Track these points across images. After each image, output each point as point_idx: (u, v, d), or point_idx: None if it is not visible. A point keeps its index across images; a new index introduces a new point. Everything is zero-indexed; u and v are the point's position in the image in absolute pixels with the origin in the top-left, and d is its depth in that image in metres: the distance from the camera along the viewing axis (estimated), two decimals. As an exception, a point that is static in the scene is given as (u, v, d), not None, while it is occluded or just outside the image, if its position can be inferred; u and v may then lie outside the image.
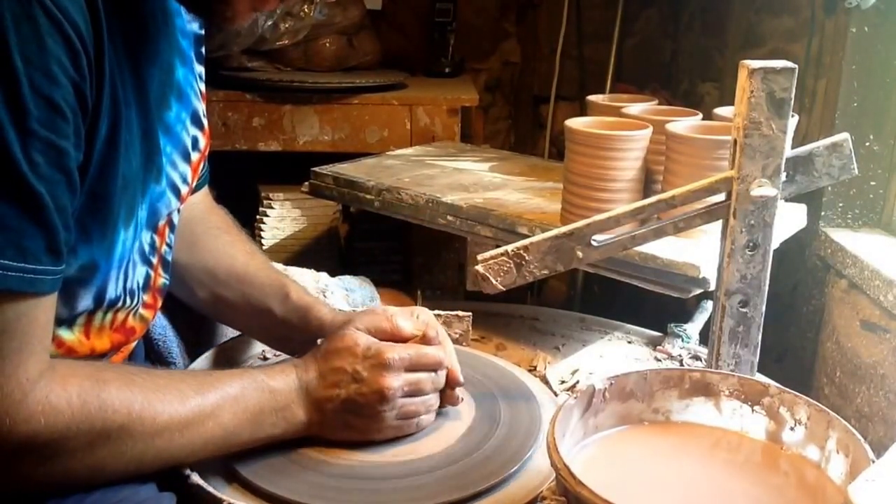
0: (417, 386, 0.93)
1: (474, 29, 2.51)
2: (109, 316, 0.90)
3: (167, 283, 1.02)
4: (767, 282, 0.99)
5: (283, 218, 2.06)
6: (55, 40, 0.67)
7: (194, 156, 1.00)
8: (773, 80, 0.92)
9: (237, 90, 1.97)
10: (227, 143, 1.96)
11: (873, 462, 0.74)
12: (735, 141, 0.96)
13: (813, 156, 0.99)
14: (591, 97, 1.43)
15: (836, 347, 1.48)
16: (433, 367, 0.95)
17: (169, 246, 1.01)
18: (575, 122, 1.24)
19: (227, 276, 1.10)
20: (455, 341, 1.14)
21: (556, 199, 1.30)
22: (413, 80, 2.20)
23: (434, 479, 0.89)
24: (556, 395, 1.10)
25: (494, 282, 0.96)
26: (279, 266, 1.21)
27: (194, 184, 1.03)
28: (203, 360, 1.13)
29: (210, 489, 0.85)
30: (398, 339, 0.96)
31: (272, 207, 2.05)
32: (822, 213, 1.53)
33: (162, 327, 1.12)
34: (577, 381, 1.14)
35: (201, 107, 1.02)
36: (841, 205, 1.53)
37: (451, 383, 0.98)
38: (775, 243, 1.02)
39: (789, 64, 0.93)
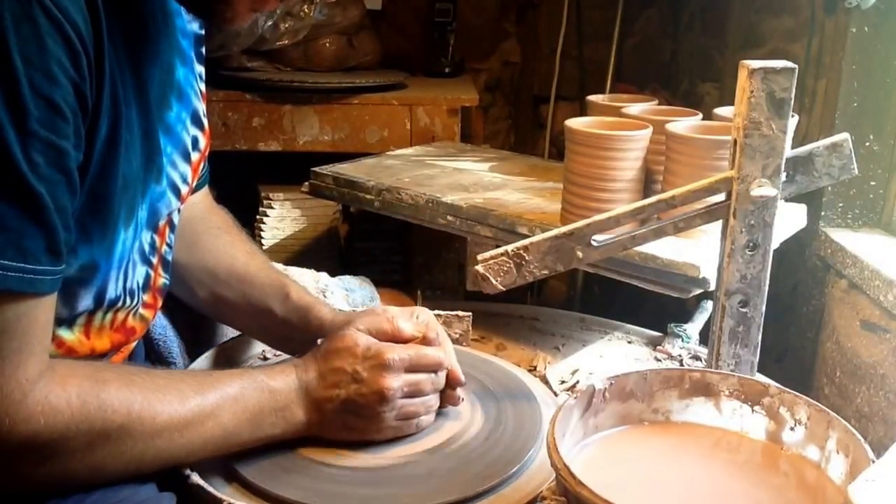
0: (417, 387, 0.93)
1: (474, 29, 2.51)
2: (109, 316, 0.90)
3: (167, 282, 1.02)
4: (767, 282, 0.99)
5: (283, 218, 2.06)
6: (55, 40, 0.67)
7: (194, 156, 1.00)
8: (773, 80, 0.92)
9: (237, 90, 1.97)
10: (227, 143, 1.96)
11: (873, 462, 0.74)
12: (735, 141, 0.96)
13: (813, 156, 0.99)
14: (591, 97, 1.43)
15: (836, 347, 1.48)
16: (433, 368, 0.95)
17: (169, 246, 1.01)
18: (575, 122, 1.24)
19: (228, 276, 1.10)
20: (455, 341, 1.14)
21: (556, 199, 1.30)
22: (413, 80, 2.20)
23: (434, 479, 0.89)
24: (556, 395, 1.10)
25: (494, 282, 0.96)
26: (279, 266, 1.21)
27: (194, 184, 1.03)
28: (203, 360, 1.13)
29: (210, 489, 0.85)
30: (398, 340, 0.95)
31: (272, 207, 2.05)
32: (822, 213, 1.53)
33: (162, 327, 1.12)
34: (577, 381, 1.14)
35: (201, 107, 1.02)
36: (841, 205, 1.53)
37: (451, 383, 0.98)
38: (775, 243, 1.02)
39: (789, 64, 0.93)
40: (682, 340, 1.26)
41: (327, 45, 2.12)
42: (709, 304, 1.29)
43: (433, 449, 0.94)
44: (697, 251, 1.13)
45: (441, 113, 2.01)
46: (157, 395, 0.80)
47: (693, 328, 1.28)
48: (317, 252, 2.07)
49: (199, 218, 1.13)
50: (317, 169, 1.56)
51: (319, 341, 0.97)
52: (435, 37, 2.41)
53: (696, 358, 1.22)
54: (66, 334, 0.86)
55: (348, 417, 0.91)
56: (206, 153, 1.06)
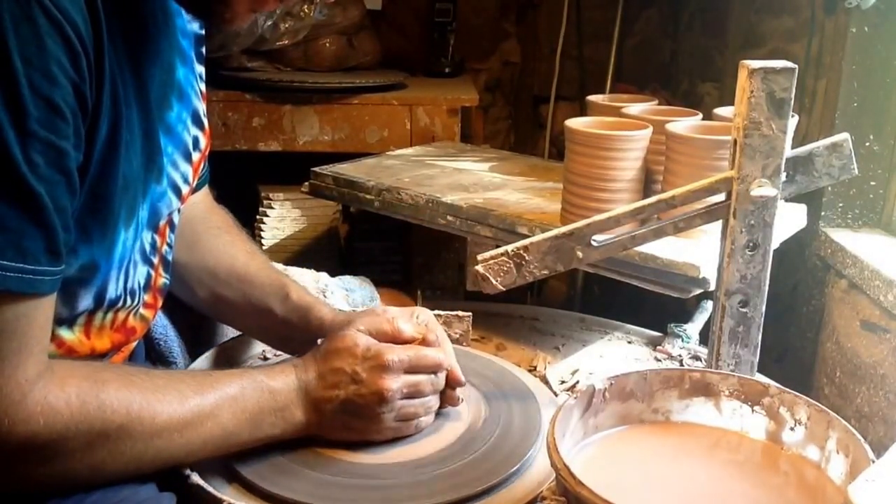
0: (417, 388, 0.93)
1: (474, 29, 2.51)
2: (110, 316, 0.90)
3: (168, 282, 1.02)
4: (767, 282, 0.99)
5: (283, 218, 2.06)
6: (55, 41, 0.67)
7: (195, 155, 1.00)
8: (773, 80, 0.92)
9: (237, 90, 1.97)
10: (227, 143, 1.95)
11: (873, 462, 0.74)
12: (735, 141, 0.96)
13: (813, 156, 0.99)
14: (591, 97, 1.43)
15: (836, 347, 1.48)
16: (433, 369, 0.95)
17: (169, 246, 1.01)
18: (575, 122, 1.24)
19: (228, 276, 1.10)
20: (455, 341, 1.14)
21: (556, 199, 1.30)
22: (413, 80, 2.20)
23: (434, 478, 0.89)
24: (556, 395, 1.10)
25: (494, 282, 0.96)
26: (279, 266, 1.21)
27: (195, 184, 1.03)
28: (203, 360, 1.13)
29: (210, 489, 0.85)
30: (398, 340, 0.95)
31: (272, 207, 2.05)
32: (822, 213, 1.53)
33: (163, 327, 1.12)
34: (577, 381, 1.14)
35: (202, 106, 1.02)
36: (841, 205, 1.53)
37: (451, 384, 0.98)
38: (775, 243, 1.02)
39: (789, 64, 0.93)
40: (682, 340, 1.26)
41: (327, 45, 2.12)
42: (709, 304, 1.29)
43: (433, 449, 0.94)
44: (697, 251, 1.13)
45: (441, 113, 2.01)
46: (157, 396, 0.80)
47: (693, 328, 1.28)
48: (317, 252, 2.07)
49: (199, 218, 1.13)
50: (317, 169, 1.56)
51: (319, 341, 0.97)
52: (435, 37, 2.41)
53: (696, 358, 1.22)
54: (66, 334, 0.86)
55: (348, 418, 0.91)
56: (207, 153, 1.06)
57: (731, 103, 1.00)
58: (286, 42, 2.06)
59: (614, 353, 1.24)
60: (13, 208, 0.68)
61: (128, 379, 0.79)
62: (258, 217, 2.06)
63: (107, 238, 0.81)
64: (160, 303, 1.02)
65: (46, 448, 0.74)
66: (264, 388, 0.88)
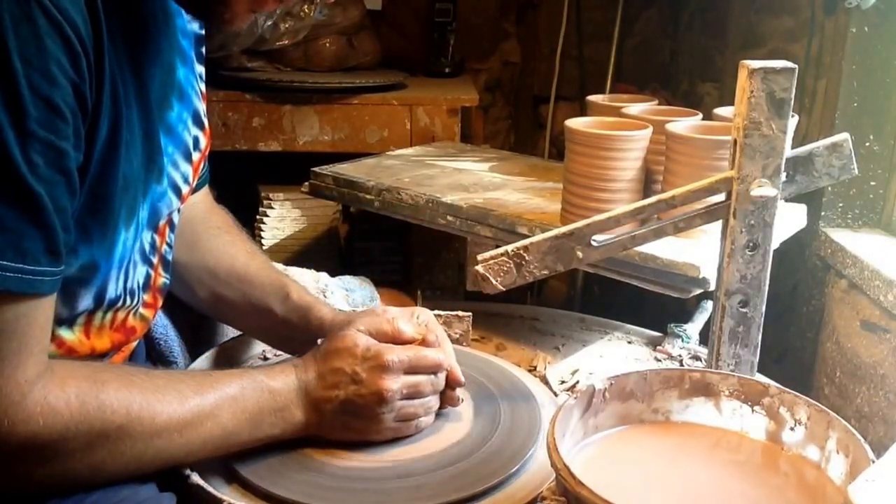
0: (416, 388, 0.93)
1: (474, 29, 2.51)
2: (109, 315, 0.90)
3: (167, 282, 1.02)
4: (767, 282, 0.99)
5: (283, 218, 2.06)
6: (54, 41, 0.67)
7: (195, 155, 1.00)
8: (773, 80, 0.92)
9: (237, 90, 1.97)
10: (227, 143, 1.95)
11: (873, 462, 0.74)
12: (735, 141, 0.96)
13: (813, 156, 0.99)
14: (591, 97, 1.43)
15: (836, 347, 1.48)
16: (432, 370, 0.95)
17: (169, 245, 1.01)
18: (575, 122, 1.24)
19: (228, 276, 1.10)
20: (455, 341, 1.14)
21: (556, 199, 1.30)
22: (413, 80, 2.20)
23: (434, 479, 0.89)
24: (556, 395, 1.10)
25: (494, 282, 0.96)
26: (279, 266, 1.21)
27: (195, 184, 1.03)
28: (203, 360, 1.13)
29: (210, 489, 0.85)
30: (398, 340, 0.95)
31: (272, 207, 2.05)
32: (822, 213, 1.53)
33: (163, 326, 1.12)
34: (577, 381, 1.14)
35: (202, 106, 1.02)
36: (841, 205, 1.53)
37: (451, 384, 0.98)
38: (775, 243, 1.02)
39: (789, 64, 0.93)
40: (682, 340, 1.26)
41: (327, 45, 2.12)
42: (709, 304, 1.29)
43: (433, 449, 0.94)
44: (697, 251, 1.13)
45: (441, 113, 2.01)
46: (157, 396, 0.80)
47: (693, 328, 1.28)
48: (317, 252, 2.07)
49: (199, 218, 1.13)
50: (317, 169, 1.56)
51: (319, 341, 0.97)
52: (435, 37, 2.41)
53: (696, 358, 1.22)
54: (66, 334, 0.86)
55: (347, 418, 0.91)
56: (207, 153, 1.06)
57: (731, 103, 1.00)
58: (286, 42, 2.06)
59: (614, 353, 1.24)
60: (13, 209, 0.68)
61: (128, 379, 0.79)
62: (258, 217, 2.06)
63: (107, 238, 0.81)
64: (160, 302, 1.02)
65: (46, 448, 0.74)
66: (264, 388, 0.88)
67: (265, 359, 1.18)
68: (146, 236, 0.93)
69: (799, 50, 1.63)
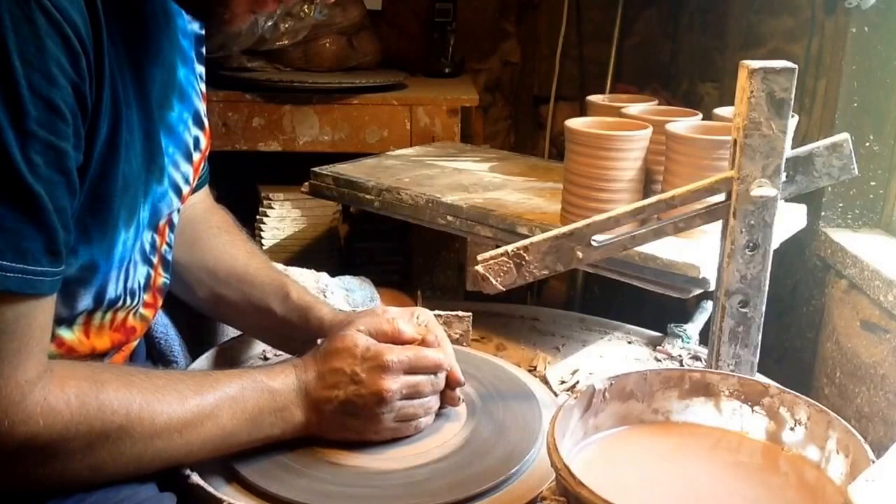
0: (416, 388, 0.93)
1: (474, 29, 2.51)
2: (109, 315, 0.90)
3: (167, 282, 1.02)
4: (767, 282, 0.99)
5: (283, 218, 2.06)
6: (54, 41, 0.67)
7: (196, 156, 1.00)
8: (773, 80, 0.92)
9: (237, 90, 1.97)
10: (227, 144, 1.96)
11: (873, 462, 0.74)
12: (735, 141, 0.96)
13: (813, 156, 0.99)
14: (591, 97, 1.43)
15: (836, 347, 1.48)
16: (432, 370, 0.95)
17: (169, 245, 1.01)
18: (575, 122, 1.24)
19: (228, 276, 1.10)
20: (455, 342, 1.14)
21: (556, 199, 1.30)
22: (413, 80, 2.20)
23: (434, 479, 0.89)
24: (556, 395, 1.10)
25: (494, 282, 0.96)
26: (279, 266, 1.21)
27: (195, 184, 1.03)
28: (203, 360, 1.13)
29: (210, 489, 0.85)
30: (398, 341, 0.95)
31: (272, 207, 2.05)
32: (822, 213, 1.53)
33: (164, 326, 1.12)
34: (577, 382, 1.14)
35: (202, 107, 1.02)
36: (841, 205, 1.53)
37: (451, 384, 0.98)
38: (775, 243, 1.02)
39: (789, 64, 0.93)
40: (682, 340, 1.26)
41: (327, 45, 2.12)
42: (709, 304, 1.29)
43: (433, 449, 0.94)
44: (697, 251, 1.13)
45: (441, 113, 2.01)
46: (156, 396, 0.80)
47: (693, 328, 1.28)
48: (317, 252, 2.07)
49: (199, 218, 1.13)
50: (317, 169, 1.56)
51: (319, 341, 0.97)
52: (435, 37, 2.41)
53: (696, 358, 1.22)
54: (65, 334, 0.86)
55: (347, 418, 0.91)
56: (207, 153, 1.06)
57: (731, 103, 1.00)
58: (286, 42, 2.06)
59: (614, 353, 1.24)
60: (12, 209, 0.68)
61: (127, 379, 0.79)
62: (258, 217, 2.06)
63: (106, 238, 0.81)
64: (160, 302, 1.02)
65: (46, 448, 0.74)
66: (264, 388, 0.88)
67: (265, 359, 1.18)
68: (146, 236, 0.93)
69: (799, 50, 1.63)
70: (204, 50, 1.03)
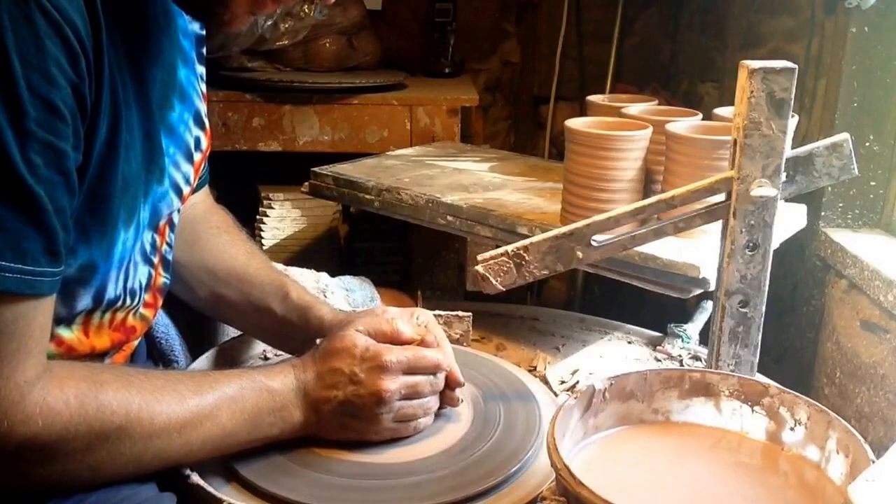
0: (415, 389, 0.93)
1: (474, 29, 2.51)
2: (108, 315, 0.90)
3: (168, 282, 1.02)
4: (767, 282, 0.99)
5: (283, 218, 2.06)
6: (53, 42, 0.67)
7: (197, 156, 1.00)
8: (773, 80, 0.92)
9: (237, 90, 1.97)
10: (227, 144, 1.96)
11: (873, 462, 0.74)
12: (735, 141, 0.96)
13: (813, 156, 0.99)
14: (591, 97, 1.43)
15: (836, 348, 1.48)
16: (431, 370, 0.95)
17: (169, 245, 1.01)
18: (575, 123, 1.24)
19: (228, 276, 1.10)
20: (455, 342, 1.14)
21: (556, 199, 1.30)
22: (413, 80, 2.20)
23: (434, 479, 0.89)
24: (556, 395, 1.10)
25: (494, 282, 0.96)
26: (279, 266, 1.21)
27: (195, 184, 1.03)
28: (203, 360, 1.13)
29: (210, 489, 0.85)
30: (397, 341, 0.95)
31: (272, 207, 2.05)
32: (822, 213, 1.53)
33: (164, 326, 1.12)
34: (577, 382, 1.14)
35: (203, 107, 1.02)
36: (841, 205, 1.52)
37: (451, 384, 0.98)
38: (775, 243, 1.02)
39: (789, 64, 0.93)
40: (682, 340, 1.26)
41: (327, 45, 2.12)
42: (709, 304, 1.29)
43: (433, 449, 0.94)
44: (697, 251, 1.13)
45: (441, 113, 2.01)
46: (156, 396, 0.80)
47: (693, 328, 1.28)
48: (317, 252, 2.07)
49: (199, 218, 1.13)
50: (317, 169, 1.56)
51: (318, 341, 0.97)
52: (435, 37, 2.41)
53: (696, 358, 1.22)
54: (64, 333, 0.86)
55: (346, 419, 0.91)
56: (207, 153, 1.06)
57: (731, 103, 1.00)
58: (286, 42, 2.06)
59: (614, 354, 1.24)
60: (12, 209, 0.67)
61: (126, 380, 0.79)
62: (258, 217, 2.06)
63: (106, 238, 0.81)
64: (160, 302, 1.02)
65: (46, 449, 0.73)
66: (263, 388, 0.88)
67: (265, 359, 1.18)
68: (147, 236, 0.93)
69: (799, 50, 1.63)
70: (204, 50, 1.03)
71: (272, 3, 0.79)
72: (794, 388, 0.91)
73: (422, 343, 0.96)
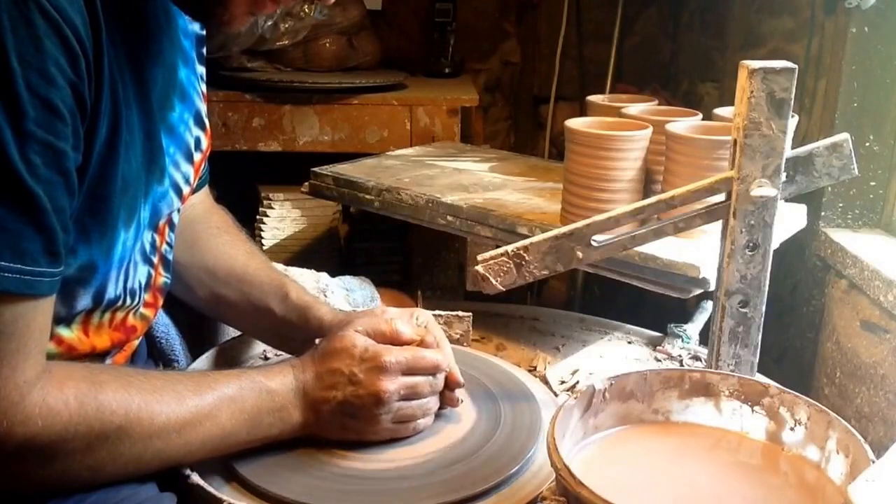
0: (414, 389, 0.93)
1: (474, 29, 2.51)
2: (108, 315, 0.90)
3: (168, 281, 1.02)
4: (767, 282, 0.99)
5: (283, 218, 2.06)
6: (53, 42, 0.67)
7: (197, 156, 1.00)
8: (773, 80, 0.92)
9: (237, 90, 1.97)
10: (227, 144, 1.96)
11: (873, 462, 0.74)
12: (735, 141, 0.96)
13: (813, 156, 0.99)
14: (591, 97, 1.43)
15: (836, 348, 1.48)
16: (431, 371, 0.95)
17: (169, 245, 1.01)
18: (575, 123, 1.24)
19: (227, 276, 1.10)
20: (455, 342, 1.14)
21: (556, 199, 1.30)
22: (413, 81, 2.20)
23: (434, 479, 0.89)
24: (556, 395, 1.10)
25: (494, 282, 0.96)
26: (279, 266, 1.21)
27: (195, 184, 1.03)
28: (203, 360, 1.13)
29: (210, 489, 0.85)
30: (397, 342, 0.95)
31: (272, 208, 2.05)
32: (822, 213, 1.53)
33: (164, 326, 1.12)
34: (577, 382, 1.14)
35: (203, 107, 1.02)
36: (841, 205, 1.52)
37: (451, 385, 0.98)
38: (775, 243, 1.02)
39: (789, 64, 0.93)
40: (682, 340, 1.26)
41: (327, 45, 2.12)
42: (709, 304, 1.29)
43: (433, 450, 0.94)
44: (697, 251, 1.13)
45: (441, 113, 2.01)
46: (155, 396, 0.80)
47: (693, 328, 1.28)
48: (317, 252, 2.07)
49: (199, 218, 1.13)
50: (317, 169, 1.56)
51: (318, 341, 0.97)
52: (435, 37, 2.41)
53: (696, 358, 1.22)
54: (64, 332, 0.86)
55: (345, 419, 0.91)
56: (208, 153, 1.06)
57: (731, 103, 1.00)
58: (286, 42, 2.06)
59: (614, 353, 1.24)
60: (11, 209, 0.67)
61: (126, 380, 0.79)
62: (258, 217, 2.06)
63: (106, 238, 0.81)
64: (160, 302, 1.02)
65: (45, 449, 0.73)
66: (262, 388, 0.88)
67: (265, 359, 1.18)
68: (147, 236, 0.93)
69: (799, 50, 1.63)
70: (204, 50, 1.03)
71: (272, 4, 0.79)
72: (794, 388, 0.91)
73: (421, 343, 0.96)
